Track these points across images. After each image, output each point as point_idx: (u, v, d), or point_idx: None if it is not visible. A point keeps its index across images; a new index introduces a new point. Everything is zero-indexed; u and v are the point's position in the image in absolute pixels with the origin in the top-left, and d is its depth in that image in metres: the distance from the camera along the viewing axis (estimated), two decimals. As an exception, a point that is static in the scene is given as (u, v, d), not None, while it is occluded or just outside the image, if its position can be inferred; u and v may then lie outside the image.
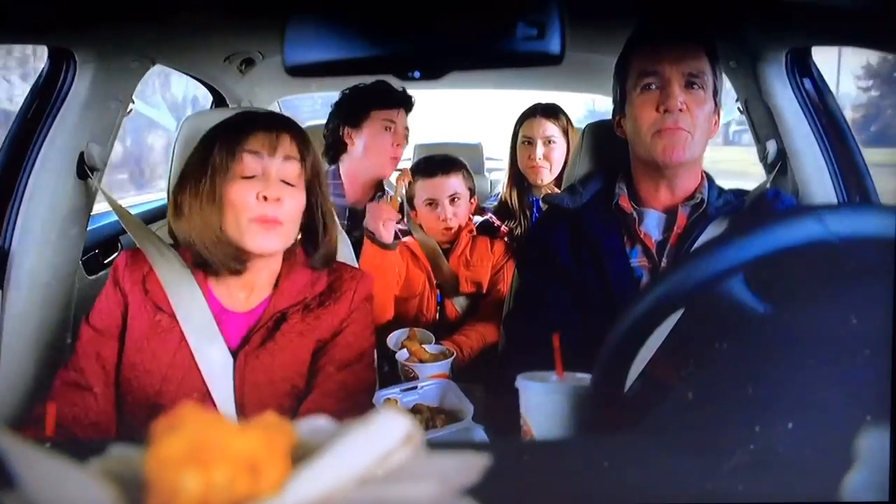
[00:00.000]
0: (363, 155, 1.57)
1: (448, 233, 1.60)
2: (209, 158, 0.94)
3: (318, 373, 0.99)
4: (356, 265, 1.24)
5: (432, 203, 1.58)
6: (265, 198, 0.93)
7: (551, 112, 1.76)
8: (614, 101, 1.12)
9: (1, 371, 1.11)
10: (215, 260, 0.95)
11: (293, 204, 0.95)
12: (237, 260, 0.96)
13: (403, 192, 1.55)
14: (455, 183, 1.58)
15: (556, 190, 1.64)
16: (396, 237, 1.46)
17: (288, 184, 0.95)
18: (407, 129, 1.61)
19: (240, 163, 0.94)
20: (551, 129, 1.73)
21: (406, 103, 1.59)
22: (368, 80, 1.59)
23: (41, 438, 0.85)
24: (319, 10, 0.68)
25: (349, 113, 1.58)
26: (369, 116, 1.55)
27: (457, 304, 1.62)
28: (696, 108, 1.02)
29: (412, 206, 1.62)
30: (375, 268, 1.41)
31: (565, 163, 1.72)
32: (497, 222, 1.73)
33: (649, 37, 1.06)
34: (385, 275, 1.44)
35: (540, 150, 1.73)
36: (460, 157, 1.70)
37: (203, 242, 0.95)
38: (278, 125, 0.97)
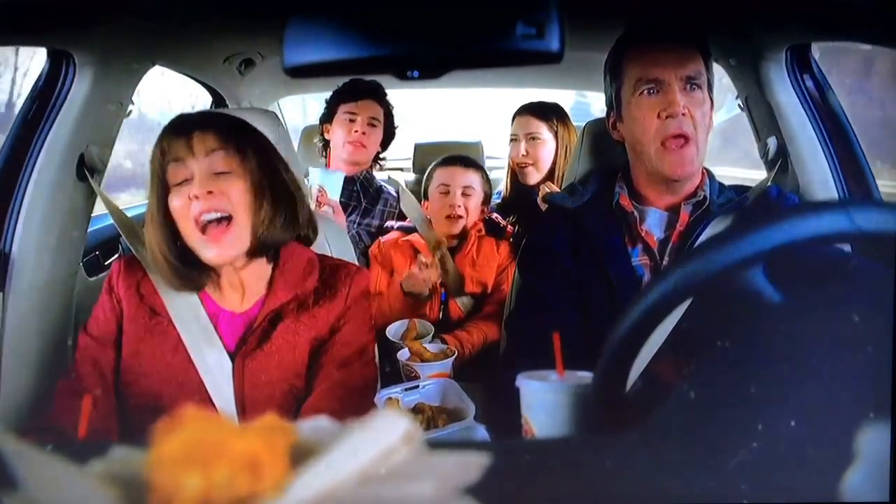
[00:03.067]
0: (333, 144, 1.74)
1: (452, 223, 1.62)
2: (151, 175, 0.95)
3: (318, 372, 0.98)
4: (354, 261, 1.24)
5: (445, 190, 1.63)
6: (196, 196, 0.91)
7: (540, 110, 1.74)
8: (607, 103, 1.11)
9: (2, 373, 1.11)
10: (178, 283, 0.96)
11: (235, 191, 0.93)
12: (196, 278, 0.96)
13: (441, 252, 1.60)
14: (472, 177, 1.64)
15: (554, 188, 1.64)
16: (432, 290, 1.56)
17: (222, 173, 0.93)
18: (375, 119, 1.72)
19: (170, 174, 0.94)
20: (536, 126, 1.72)
21: (372, 93, 1.72)
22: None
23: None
24: (318, 11, 0.67)
25: (326, 112, 1.76)
26: (337, 111, 1.72)
27: (461, 304, 1.62)
28: (696, 109, 1.01)
29: (426, 196, 1.67)
30: (408, 310, 1.53)
31: (555, 162, 1.72)
32: (503, 222, 1.73)
33: (643, 38, 1.04)
34: (409, 314, 1.54)
35: (522, 147, 1.72)
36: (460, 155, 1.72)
37: (162, 268, 0.95)
38: (191, 125, 0.95)
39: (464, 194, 1.62)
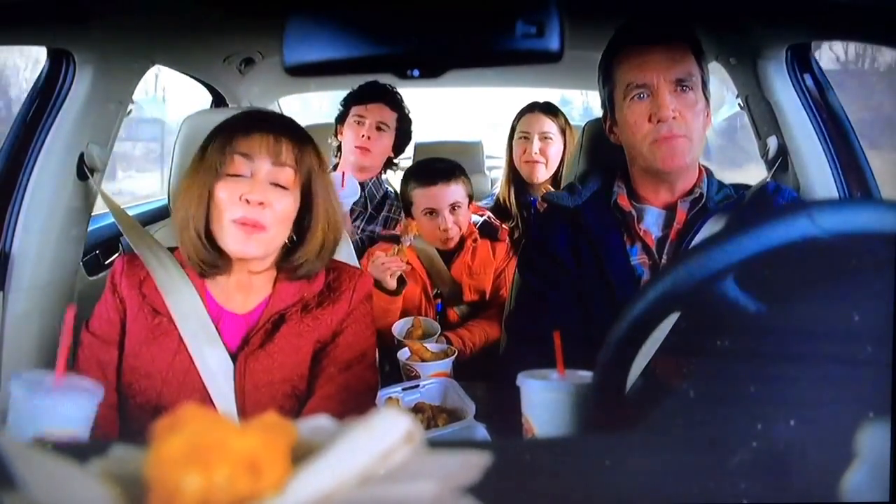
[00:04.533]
0: (343, 147, 1.74)
1: (448, 242, 1.57)
2: (203, 156, 0.94)
3: (319, 375, 0.98)
4: (356, 264, 1.24)
5: (432, 212, 1.53)
6: (247, 200, 0.91)
7: (549, 109, 1.76)
8: (603, 106, 1.11)
9: (2, 372, 1.11)
10: (195, 259, 0.95)
11: (282, 207, 0.93)
12: (213, 264, 0.95)
13: (411, 240, 1.55)
14: (455, 190, 1.53)
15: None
16: (402, 282, 1.48)
17: (279, 186, 0.93)
18: (384, 123, 1.71)
19: (230, 163, 0.92)
20: (548, 124, 1.74)
21: (385, 98, 1.70)
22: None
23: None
24: (318, 10, 0.67)
25: (339, 113, 1.76)
26: (348, 113, 1.72)
27: (458, 312, 1.60)
28: (688, 111, 1.01)
29: (409, 214, 1.59)
30: (382, 310, 1.44)
31: (562, 162, 1.72)
32: (497, 222, 1.71)
33: (631, 41, 1.04)
34: (390, 315, 1.47)
35: (536, 145, 1.72)
36: (460, 155, 1.70)
37: (186, 240, 0.94)
38: (277, 128, 0.95)
39: (452, 211, 1.53)
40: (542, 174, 1.74)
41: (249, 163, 0.92)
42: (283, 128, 0.96)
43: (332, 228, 0.99)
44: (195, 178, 0.94)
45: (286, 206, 0.94)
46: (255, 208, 0.91)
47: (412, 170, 1.63)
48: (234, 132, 0.94)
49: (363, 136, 1.69)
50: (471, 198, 1.61)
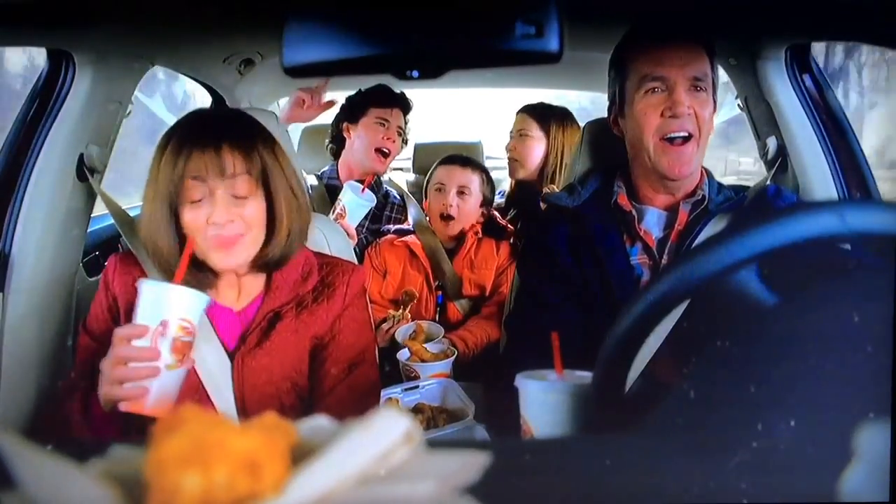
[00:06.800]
0: (356, 146, 1.72)
1: (446, 224, 1.60)
2: (156, 179, 0.90)
3: (322, 377, 0.98)
4: (353, 258, 1.24)
5: (440, 188, 1.62)
6: (216, 223, 0.89)
7: (535, 109, 1.78)
8: (610, 99, 1.12)
9: (2, 373, 1.11)
10: (189, 278, 0.91)
11: (249, 213, 0.90)
12: (203, 281, 0.94)
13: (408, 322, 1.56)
14: (470, 177, 1.62)
15: (556, 189, 1.65)
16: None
17: (241, 197, 0.90)
18: (401, 128, 1.74)
19: (186, 189, 0.89)
20: (528, 124, 1.76)
21: (402, 104, 1.73)
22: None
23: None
24: (318, 11, 0.67)
25: (350, 111, 1.74)
26: (366, 113, 1.71)
27: (458, 306, 1.61)
28: (700, 110, 1.01)
29: (426, 195, 1.68)
30: None
31: (546, 162, 1.73)
32: (502, 222, 1.72)
33: (650, 36, 1.04)
34: None
35: (511, 142, 1.77)
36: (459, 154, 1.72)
37: (161, 271, 0.93)
38: (217, 137, 0.89)
39: (459, 193, 1.60)
40: (518, 171, 1.77)
41: (202, 184, 0.89)
42: (224, 134, 0.90)
43: (298, 215, 0.96)
44: (154, 206, 0.90)
45: (253, 210, 0.91)
46: (225, 226, 0.90)
47: (442, 157, 1.71)
48: (178, 153, 0.89)
49: (388, 138, 1.70)
50: (486, 200, 1.65)
